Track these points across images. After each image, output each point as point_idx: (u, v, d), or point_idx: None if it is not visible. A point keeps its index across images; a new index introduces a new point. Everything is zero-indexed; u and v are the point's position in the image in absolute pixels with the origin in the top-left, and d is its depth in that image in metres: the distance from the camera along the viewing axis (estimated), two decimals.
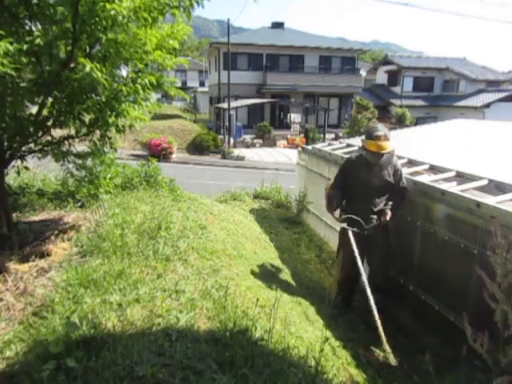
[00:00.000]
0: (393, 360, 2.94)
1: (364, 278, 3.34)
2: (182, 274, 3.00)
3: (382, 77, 31.93)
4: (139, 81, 3.30)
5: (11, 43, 2.42)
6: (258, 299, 2.72)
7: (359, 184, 3.54)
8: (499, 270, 2.01)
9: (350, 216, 3.52)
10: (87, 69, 2.68)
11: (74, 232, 3.71)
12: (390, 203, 3.54)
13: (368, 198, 3.55)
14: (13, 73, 2.43)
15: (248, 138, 22.80)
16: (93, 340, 2.03)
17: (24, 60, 2.69)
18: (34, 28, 3.02)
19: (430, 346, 3.19)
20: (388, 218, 3.45)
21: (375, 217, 3.54)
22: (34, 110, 3.25)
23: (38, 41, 2.64)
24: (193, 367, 1.92)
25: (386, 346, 3.02)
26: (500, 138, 4.93)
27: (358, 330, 3.53)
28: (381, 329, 3.08)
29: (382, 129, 3.44)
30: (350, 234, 3.47)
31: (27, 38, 2.66)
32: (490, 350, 2.00)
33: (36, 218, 4.19)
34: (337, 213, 3.82)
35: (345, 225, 3.55)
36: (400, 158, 4.42)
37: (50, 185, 5.44)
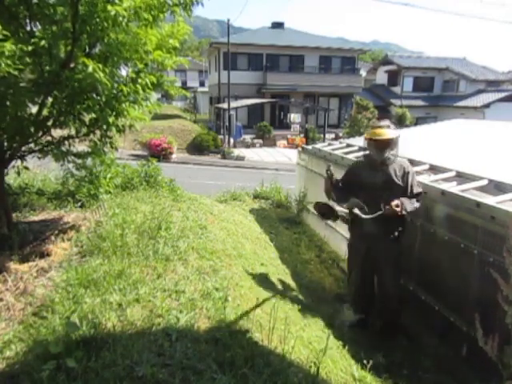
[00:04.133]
0: None
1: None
2: (182, 274, 3.00)
3: (382, 77, 31.93)
4: (139, 80, 3.31)
5: (15, 44, 2.42)
6: (257, 299, 2.73)
7: (364, 185, 3.29)
8: None
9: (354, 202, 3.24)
10: (90, 69, 2.68)
11: (74, 232, 3.71)
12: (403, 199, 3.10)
13: (373, 199, 3.19)
14: (16, 73, 2.44)
15: (248, 138, 22.80)
16: (93, 340, 2.03)
17: (28, 60, 2.69)
18: (34, 28, 3.02)
19: (429, 346, 3.19)
20: (393, 205, 2.98)
21: (382, 219, 3.10)
22: (34, 110, 3.25)
23: (42, 42, 2.64)
24: (193, 367, 1.92)
25: None
26: (500, 138, 4.93)
27: (357, 331, 3.53)
28: None
29: (386, 123, 3.29)
30: (355, 211, 3.22)
31: (32, 40, 2.66)
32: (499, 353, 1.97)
33: (36, 218, 4.19)
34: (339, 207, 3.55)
35: (354, 211, 3.23)
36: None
37: (49, 185, 5.44)
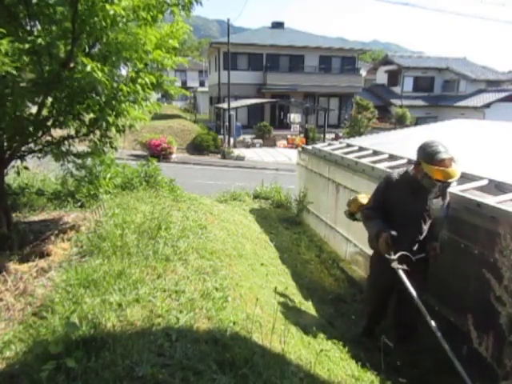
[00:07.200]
0: None
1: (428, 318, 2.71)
2: (182, 274, 3.00)
3: (382, 77, 31.95)
4: (139, 80, 3.31)
5: (12, 42, 2.42)
6: (257, 299, 2.72)
7: (403, 210, 2.93)
8: (507, 273, 1.98)
9: (402, 253, 2.86)
10: (88, 68, 2.68)
11: (74, 232, 3.71)
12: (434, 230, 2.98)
13: (414, 226, 2.95)
14: (14, 72, 2.43)
15: (248, 137, 22.81)
16: (93, 340, 2.03)
17: (26, 59, 2.69)
18: (33, 28, 3.02)
19: (430, 347, 3.19)
20: (438, 251, 2.87)
21: (417, 247, 2.96)
22: (33, 109, 3.25)
23: (39, 41, 2.64)
24: (193, 367, 1.92)
25: None
26: (500, 137, 4.93)
27: (356, 332, 3.53)
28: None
29: (443, 148, 2.70)
30: (402, 272, 2.84)
31: (29, 38, 2.66)
32: (494, 353, 1.97)
33: (36, 218, 4.18)
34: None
35: (395, 263, 2.84)
36: (399, 158, 4.42)
37: (49, 185, 5.45)
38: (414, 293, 2.76)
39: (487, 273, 2.09)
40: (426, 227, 2.98)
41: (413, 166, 2.96)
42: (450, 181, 2.69)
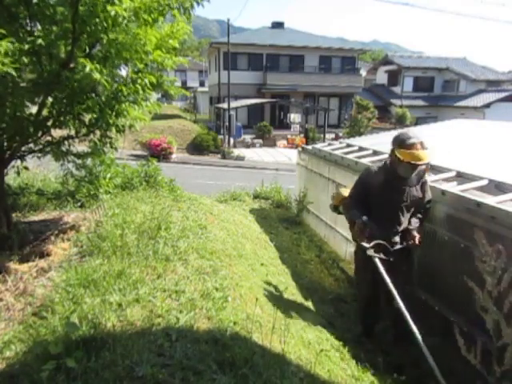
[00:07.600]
0: None
1: (402, 308, 2.79)
2: (182, 274, 3.00)
3: (382, 77, 31.94)
4: (139, 81, 3.31)
5: (12, 43, 2.42)
6: (257, 299, 2.72)
7: (382, 201, 3.05)
8: (489, 278, 1.99)
9: (377, 242, 2.97)
10: (87, 69, 2.69)
11: (74, 232, 3.71)
12: (414, 220, 3.11)
13: (392, 216, 3.06)
14: (13, 72, 2.43)
15: (248, 137, 22.81)
16: (93, 340, 2.03)
17: (25, 60, 2.69)
18: (34, 28, 3.02)
19: (430, 347, 3.19)
20: (417, 241, 3.02)
21: (399, 238, 3.09)
22: (33, 109, 3.25)
23: (39, 41, 2.64)
24: (193, 367, 1.92)
25: None
26: (500, 138, 4.93)
27: (356, 332, 3.53)
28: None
29: (415, 136, 2.87)
30: (378, 261, 2.94)
31: (28, 38, 2.66)
32: (484, 359, 1.95)
33: (36, 218, 4.19)
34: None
35: (371, 251, 2.95)
36: None
37: (49, 185, 5.45)
38: (388, 281, 2.85)
39: (470, 281, 2.09)
40: (404, 218, 3.08)
41: (389, 157, 3.09)
42: (418, 163, 2.83)
